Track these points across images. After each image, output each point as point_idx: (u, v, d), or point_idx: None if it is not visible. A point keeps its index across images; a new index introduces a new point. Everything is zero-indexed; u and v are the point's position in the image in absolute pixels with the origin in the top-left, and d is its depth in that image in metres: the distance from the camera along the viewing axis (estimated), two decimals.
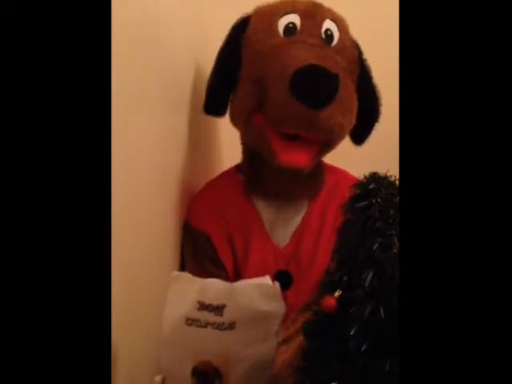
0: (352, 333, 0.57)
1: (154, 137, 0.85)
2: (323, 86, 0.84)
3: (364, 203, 0.60)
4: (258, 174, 0.99)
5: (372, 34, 1.22)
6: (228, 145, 1.04)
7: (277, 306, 0.70)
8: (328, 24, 0.93)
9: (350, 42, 0.95)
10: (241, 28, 0.95)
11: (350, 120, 0.91)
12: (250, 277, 0.82)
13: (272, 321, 0.70)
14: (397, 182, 0.61)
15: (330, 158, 1.03)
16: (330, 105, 0.84)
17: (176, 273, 0.75)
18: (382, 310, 0.57)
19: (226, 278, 0.93)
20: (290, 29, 0.91)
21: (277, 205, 1.00)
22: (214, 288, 0.71)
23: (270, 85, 0.87)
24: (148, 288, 0.81)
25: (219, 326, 0.69)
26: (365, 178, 0.62)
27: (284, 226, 0.99)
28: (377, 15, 1.30)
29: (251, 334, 0.70)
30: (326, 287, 0.62)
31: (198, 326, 0.70)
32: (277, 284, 0.71)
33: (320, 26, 0.92)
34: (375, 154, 1.10)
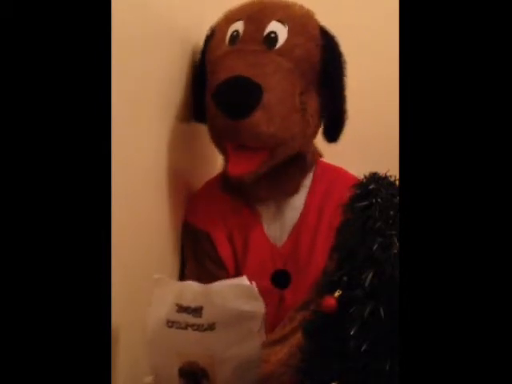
0: (352, 333, 0.57)
1: (154, 138, 0.85)
2: (241, 97, 0.87)
3: (364, 203, 0.60)
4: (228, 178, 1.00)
5: (372, 34, 1.22)
6: None
7: (256, 305, 0.70)
8: (272, 26, 0.92)
9: (304, 39, 0.93)
10: (209, 37, 0.99)
11: (285, 125, 0.90)
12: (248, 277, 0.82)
13: (252, 320, 0.70)
14: (397, 182, 0.61)
15: (330, 158, 1.04)
16: (251, 114, 0.86)
17: (156, 276, 0.75)
18: (381, 309, 0.57)
19: (227, 277, 0.93)
20: (233, 37, 0.93)
21: (275, 203, 1.00)
22: (191, 290, 0.72)
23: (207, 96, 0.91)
24: (148, 287, 0.81)
25: (199, 328, 0.70)
26: (365, 177, 0.62)
27: (281, 225, 0.99)
28: (377, 15, 1.30)
29: (232, 334, 0.70)
30: (326, 287, 0.62)
31: (178, 328, 0.70)
32: (254, 284, 0.71)
33: (262, 30, 0.92)
34: (375, 154, 1.10)
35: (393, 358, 0.55)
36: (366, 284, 0.58)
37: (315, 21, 0.96)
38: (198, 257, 0.99)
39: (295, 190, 1.00)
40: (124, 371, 0.72)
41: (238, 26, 0.94)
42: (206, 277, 0.91)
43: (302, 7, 0.96)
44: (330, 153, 1.01)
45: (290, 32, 0.92)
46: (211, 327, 0.69)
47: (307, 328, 0.66)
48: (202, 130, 1.10)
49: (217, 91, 0.87)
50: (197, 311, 0.70)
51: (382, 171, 0.62)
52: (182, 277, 0.98)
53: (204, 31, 1.02)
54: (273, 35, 0.92)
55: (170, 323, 0.71)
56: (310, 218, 0.99)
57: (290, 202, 1.00)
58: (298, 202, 1.00)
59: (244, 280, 0.72)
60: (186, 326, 0.70)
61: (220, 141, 0.95)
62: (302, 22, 0.95)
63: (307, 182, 1.02)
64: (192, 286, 0.73)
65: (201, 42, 1.02)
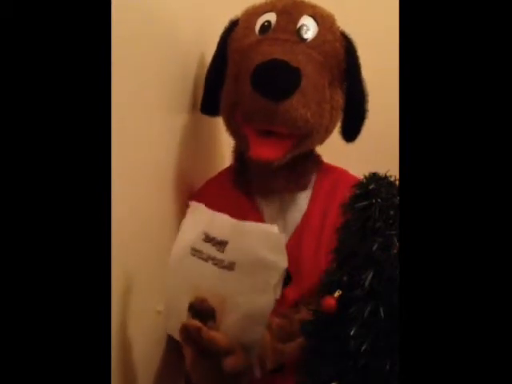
0: (352, 333, 0.57)
1: (155, 136, 0.85)
2: (281, 79, 0.87)
3: (364, 203, 0.60)
4: (242, 169, 1.00)
5: (372, 33, 1.22)
6: (229, 143, 1.04)
7: (279, 258, 0.69)
8: (305, 20, 0.94)
9: (333, 37, 0.96)
10: (230, 29, 0.99)
11: (319, 113, 0.92)
12: None
13: (272, 272, 0.69)
14: (397, 182, 0.61)
15: (330, 158, 1.03)
16: (289, 97, 0.87)
17: (193, 203, 0.74)
18: (381, 310, 0.57)
19: None
20: (265, 27, 0.94)
21: (278, 201, 1.00)
22: (221, 221, 0.71)
23: (239, 81, 0.91)
24: (148, 288, 0.81)
25: (219, 263, 0.69)
26: (365, 178, 0.62)
27: (284, 224, 0.99)
28: (377, 15, 1.30)
29: (249, 281, 0.68)
30: (326, 287, 0.62)
31: (199, 258, 0.70)
32: (283, 235, 0.70)
33: (295, 22, 0.94)
34: (375, 154, 1.10)
35: (393, 358, 0.56)
36: (366, 284, 0.58)
37: (337, 23, 0.99)
38: None
39: (306, 186, 1.00)
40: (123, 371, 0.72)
41: (270, 16, 0.95)
42: None
43: (324, 9, 0.99)
44: (330, 153, 1.01)
45: (320, 28, 0.95)
46: (230, 266, 0.68)
47: (307, 328, 0.66)
48: (205, 128, 1.10)
49: (256, 72, 0.87)
50: (221, 245, 0.69)
51: (382, 171, 0.62)
52: None
53: (208, 27, 1.02)
54: (305, 28, 0.94)
55: (194, 252, 0.70)
56: (314, 219, 0.99)
57: (293, 201, 1.00)
58: (302, 202, 1.00)
59: (275, 228, 0.71)
60: (208, 259, 0.69)
61: (241, 127, 0.94)
62: (329, 21, 0.97)
63: (311, 182, 1.02)
64: (224, 217, 0.72)
65: (204, 38, 1.02)
